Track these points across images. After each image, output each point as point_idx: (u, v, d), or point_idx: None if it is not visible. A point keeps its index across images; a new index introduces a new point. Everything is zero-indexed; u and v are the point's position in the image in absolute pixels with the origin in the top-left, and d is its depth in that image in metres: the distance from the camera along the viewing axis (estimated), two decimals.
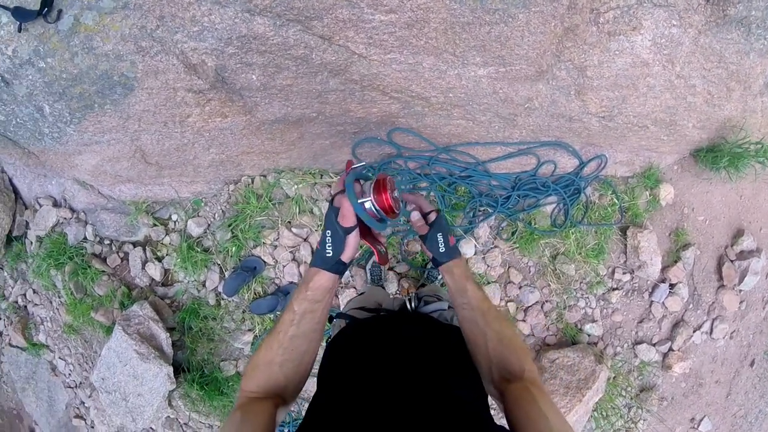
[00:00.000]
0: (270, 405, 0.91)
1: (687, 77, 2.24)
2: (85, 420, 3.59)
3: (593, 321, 3.03)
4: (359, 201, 0.96)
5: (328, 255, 0.95)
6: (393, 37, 1.80)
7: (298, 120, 2.40)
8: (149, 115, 2.18)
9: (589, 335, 3.04)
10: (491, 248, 2.98)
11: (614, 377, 3.04)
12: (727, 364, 3.36)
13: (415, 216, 1.14)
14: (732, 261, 3.19)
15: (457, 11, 1.69)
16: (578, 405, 2.78)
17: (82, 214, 3.13)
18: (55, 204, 3.15)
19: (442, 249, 1.10)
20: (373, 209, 0.99)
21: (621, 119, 2.49)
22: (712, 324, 3.20)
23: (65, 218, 3.12)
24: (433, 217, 1.13)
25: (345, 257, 0.96)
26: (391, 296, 2.95)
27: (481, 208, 2.94)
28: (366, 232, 1.06)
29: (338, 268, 0.97)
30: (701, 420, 3.39)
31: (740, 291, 3.21)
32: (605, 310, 3.04)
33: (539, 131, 2.61)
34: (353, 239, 0.97)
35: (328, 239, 0.96)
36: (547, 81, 2.19)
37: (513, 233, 2.95)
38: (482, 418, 0.89)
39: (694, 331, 3.14)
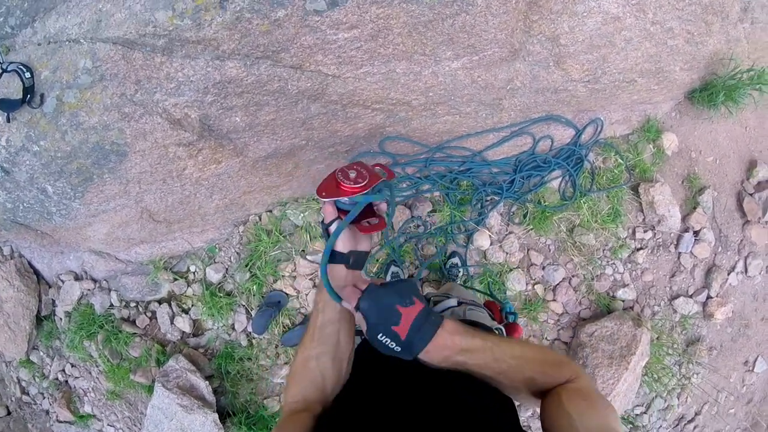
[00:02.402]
0: (307, 417, 0.89)
1: (662, 22, 2.21)
2: None
3: (624, 285, 2.98)
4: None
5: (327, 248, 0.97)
6: (361, 51, 1.82)
7: (290, 150, 2.43)
8: (147, 176, 2.23)
9: (623, 301, 2.99)
10: (506, 235, 2.96)
11: (657, 337, 2.97)
12: None
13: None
14: (751, 194, 3.12)
15: (416, 12, 1.70)
16: (625, 373, 2.73)
17: (104, 282, 3.18)
18: (77, 278, 3.21)
19: (396, 348, 0.83)
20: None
21: (606, 79, 2.47)
22: (745, 262, 3.12)
23: (89, 289, 3.18)
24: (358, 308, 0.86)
25: (337, 247, 0.96)
26: None
27: (488, 198, 2.92)
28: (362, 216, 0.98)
29: (334, 258, 0.96)
30: (755, 360, 3.31)
31: (767, 223, 3.13)
32: (634, 272, 2.99)
33: (528, 110, 2.60)
34: (333, 229, 0.95)
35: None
36: (523, 58, 2.19)
37: (525, 216, 2.92)
38: (492, 423, 0.86)
39: (728, 274, 3.07)
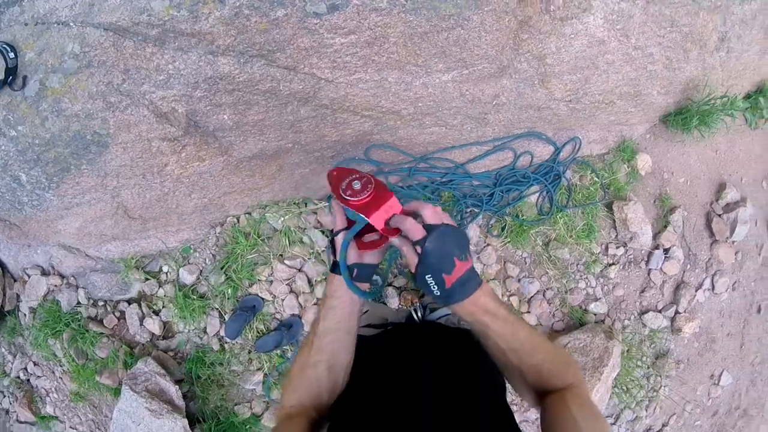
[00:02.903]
0: (305, 422, 0.90)
1: (643, 47, 2.30)
2: None
3: (596, 299, 3.05)
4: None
5: (331, 258, 1.01)
6: (356, 57, 1.84)
7: (275, 153, 2.42)
8: (127, 170, 2.17)
9: (595, 314, 3.06)
10: (484, 247, 3.00)
11: (627, 350, 3.05)
12: (735, 316, 3.41)
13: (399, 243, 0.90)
14: (720, 215, 3.25)
15: (413, 23, 1.74)
16: (598, 384, 2.79)
17: (72, 278, 3.08)
18: (44, 273, 3.10)
19: (436, 292, 0.87)
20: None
21: (587, 99, 2.55)
22: (712, 280, 3.24)
23: (56, 285, 3.07)
24: (421, 244, 0.85)
25: (339, 258, 0.95)
26: (395, 309, 2.95)
27: (468, 209, 2.96)
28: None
29: (336, 269, 0.97)
30: (720, 374, 3.42)
31: (733, 242, 3.27)
32: (606, 287, 3.07)
33: (511, 125, 2.66)
34: (339, 240, 0.95)
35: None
36: (510, 75, 2.25)
37: (503, 228, 2.97)
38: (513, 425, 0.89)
39: (696, 290, 3.18)
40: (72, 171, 2.08)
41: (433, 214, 0.88)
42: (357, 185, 0.92)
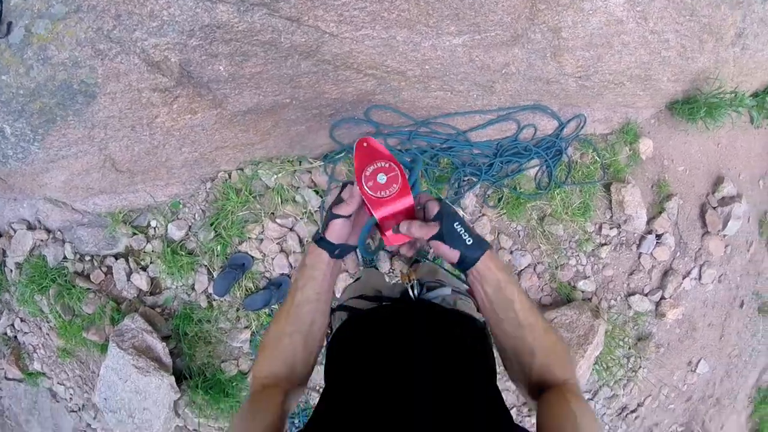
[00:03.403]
0: (279, 393, 0.90)
1: (660, 32, 2.24)
2: None
3: (585, 277, 3.07)
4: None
5: (318, 231, 0.97)
6: (364, 12, 1.74)
7: (272, 108, 2.33)
8: (115, 121, 2.08)
9: (582, 292, 3.08)
10: (479, 217, 2.97)
11: (611, 329, 3.09)
12: (717, 308, 3.46)
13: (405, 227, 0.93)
14: (714, 208, 3.25)
15: None
16: (581, 360, 2.83)
17: (59, 233, 3.00)
18: (30, 227, 3.02)
19: (469, 241, 0.87)
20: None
21: (597, 78, 2.48)
22: (700, 270, 3.27)
23: (42, 240, 2.99)
24: (434, 208, 0.91)
25: (329, 237, 0.94)
26: (388, 279, 2.93)
27: (466, 178, 2.91)
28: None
29: (324, 245, 0.95)
30: (698, 362, 3.50)
31: (724, 236, 3.29)
32: (596, 266, 3.08)
33: (518, 96, 2.59)
34: (339, 225, 0.93)
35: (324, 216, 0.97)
36: (522, 45, 2.16)
37: (499, 200, 2.94)
38: (509, 418, 0.86)
39: (683, 278, 3.21)
40: (58, 122, 1.99)
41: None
42: (382, 179, 0.86)
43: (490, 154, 2.88)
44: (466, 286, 1.57)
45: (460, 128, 2.75)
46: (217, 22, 1.69)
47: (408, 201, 0.87)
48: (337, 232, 0.93)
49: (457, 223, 0.88)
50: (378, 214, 0.88)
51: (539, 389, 0.88)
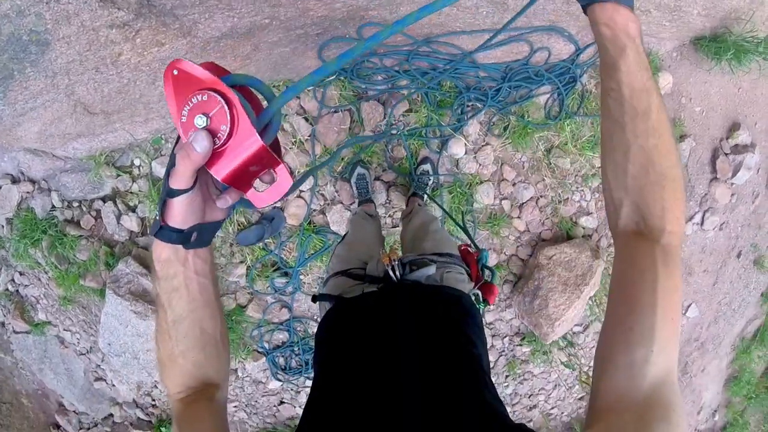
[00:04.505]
0: (204, 405, 0.78)
1: None
2: (105, 381, 3.65)
3: (588, 214, 3.04)
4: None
5: (156, 218, 0.69)
6: None
7: (249, 30, 2.15)
8: (76, 65, 1.94)
9: (584, 228, 3.06)
10: (483, 146, 2.91)
11: (608, 267, 3.10)
12: (715, 255, 3.45)
13: None
14: (726, 154, 3.17)
15: None
16: (577, 301, 2.86)
17: (44, 182, 2.97)
18: (14, 180, 2.98)
19: None
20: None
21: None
22: (703, 216, 3.24)
23: (28, 192, 2.97)
24: None
25: (172, 222, 0.67)
26: (383, 211, 2.90)
27: (470, 104, 2.82)
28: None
29: (168, 235, 0.68)
30: (689, 306, 3.54)
31: (732, 184, 3.23)
32: (600, 203, 3.04)
33: (532, 16, 2.46)
34: (180, 203, 0.66)
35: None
36: None
37: (505, 128, 2.86)
38: (499, 412, 0.82)
39: (685, 222, 3.17)
40: (16, 77, 1.88)
41: None
42: (201, 121, 0.60)
43: (497, 78, 2.75)
44: (457, 252, 1.53)
45: (466, 48, 2.60)
46: None
47: (253, 144, 0.61)
48: (181, 213, 0.67)
49: None
50: (217, 174, 0.63)
51: (625, 227, 0.73)
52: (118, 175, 2.87)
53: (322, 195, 2.93)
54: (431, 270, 1.27)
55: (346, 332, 1.10)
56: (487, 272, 1.46)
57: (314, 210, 2.95)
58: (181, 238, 0.68)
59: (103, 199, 2.98)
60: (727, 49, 2.72)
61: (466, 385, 0.86)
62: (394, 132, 2.83)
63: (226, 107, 0.59)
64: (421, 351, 0.92)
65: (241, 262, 3.06)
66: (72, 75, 1.99)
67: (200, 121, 0.60)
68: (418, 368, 0.87)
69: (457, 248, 1.55)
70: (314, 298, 1.39)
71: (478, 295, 1.36)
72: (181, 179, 0.63)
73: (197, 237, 0.70)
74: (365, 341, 1.01)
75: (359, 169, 2.80)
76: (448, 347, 0.97)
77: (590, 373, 3.36)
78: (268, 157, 0.62)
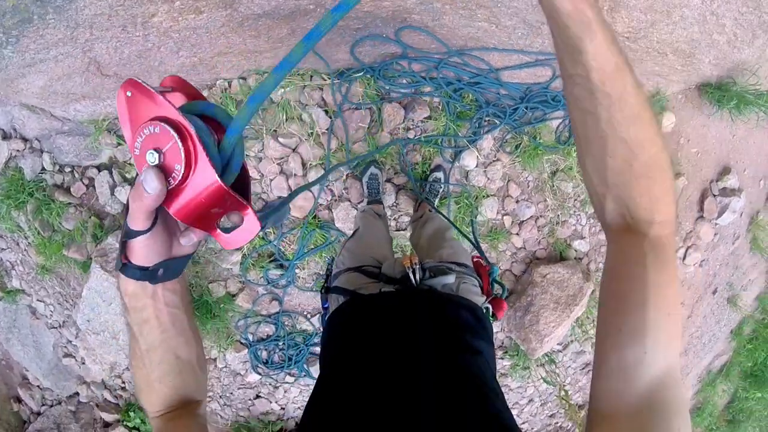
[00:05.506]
0: (185, 422, 0.78)
1: (720, 15, 2.23)
2: (74, 358, 3.50)
3: (581, 238, 3.16)
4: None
5: (118, 254, 0.66)
6: None
7: (291, 13, 2.08)
8: (103, 20, 1.77)
9: (576, 251, 3.19)
10: (493, 161, 3.00)
11: (593, 290, 3.22)
12: (693, 290, 3.64)
13: None
14: (715, 196, 3.36)
15: None
16: (566, 320, 2.97)
17: (36, 142, 2.78)
18: (5, 136, 2.79)
19: None
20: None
21: (644, 42, 2.46)
22: (686, 251, 3.40)
23: (18, 150, 2.78)
24: None
25: (135, 260, 0.63)
26: (390, 211, 2.92)
27: (487, 119, 2.91)
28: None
29: (134, 273, 0.65)
30: None
31: (716, 224, 3.41)
32: (593, 228, 3.17)
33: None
34: (141, 243, 0.62)
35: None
36: None
37: (517, 147, 2.95)
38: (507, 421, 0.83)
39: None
40: (35, 22, 1.71)
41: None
42: (153, 158, 0.54)
43: (516, 98, 2.84)
44: (470, 263, 1.56)
45: (494, 65, 2.69)
46: None
47: (211, 185, 0.54)
48: (143, 253, 0.63)
49: None
50: (176, 215, 0.57)
51: (614, 222, 0.69)
52: (119, 144, 2.73)
53: (331, 190, 2.95)
54: (450, 279, 1.28)
55: (363, 328, 1.10)
56: (497, 287, 1.50)
57: (321, 204, 2.95)
58: (146, 275, 0.65)
59: (98, 168, 2.84)
60: (731, 98, 2.89)
61: (475, 393, 0.87)
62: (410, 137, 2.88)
63: (179, 143, 0.51)
64: (437, 356, 0.93)
65: (237, 249, 3.00)
66: (96, 30, 1.82)
67: (151, 158, 0.53)
68: (435, 373, 0.88)
69: (471, 258, 1.58)
70: (326, 290, 1.40)
71: (488, 308, 1.38)
72: (136, 221, 0.59)
73: (164, 272, 0.66)
74: (383, 340, 1.01)
75: (372, 169, 2.82)
76: (463, 355, 0.99)
77: (568, 390, 3.51)
78: (232, 200, 0.55)
